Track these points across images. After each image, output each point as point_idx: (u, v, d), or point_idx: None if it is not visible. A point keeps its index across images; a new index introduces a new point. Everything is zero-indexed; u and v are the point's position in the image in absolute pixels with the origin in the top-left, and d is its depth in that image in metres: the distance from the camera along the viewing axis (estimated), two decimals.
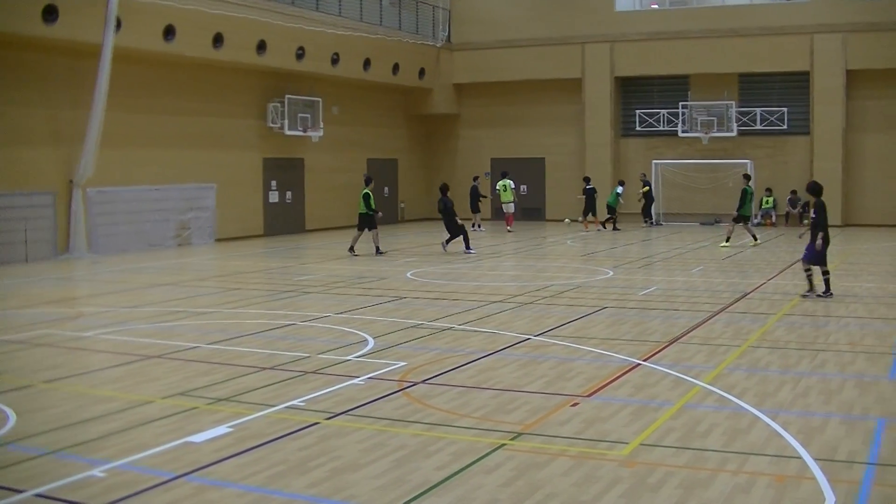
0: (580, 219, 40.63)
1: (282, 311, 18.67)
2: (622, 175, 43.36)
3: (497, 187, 41.12)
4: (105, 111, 28.55)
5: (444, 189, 31.33)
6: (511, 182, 40.83)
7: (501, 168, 45.70)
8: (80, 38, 27.85)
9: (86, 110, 28.54)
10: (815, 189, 19.93)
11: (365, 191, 29.41)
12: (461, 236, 30.12)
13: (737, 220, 31.90)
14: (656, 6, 44.97)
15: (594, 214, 39.76)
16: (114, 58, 28.28)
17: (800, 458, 9.07)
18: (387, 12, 42.71)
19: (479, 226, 40.14)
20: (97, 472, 8.80)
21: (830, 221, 20.70)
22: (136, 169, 31.80)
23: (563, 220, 43.60)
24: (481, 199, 40.88)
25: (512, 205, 40.65)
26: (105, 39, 27.89)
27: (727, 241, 31.79)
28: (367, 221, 29.14)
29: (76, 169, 29.00)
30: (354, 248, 29.45)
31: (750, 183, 32.80)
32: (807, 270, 19.93)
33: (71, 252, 29.23)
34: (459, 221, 30.29)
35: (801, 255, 20.82)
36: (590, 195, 39.66)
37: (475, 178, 41.52)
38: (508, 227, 40.22)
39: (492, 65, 45.61)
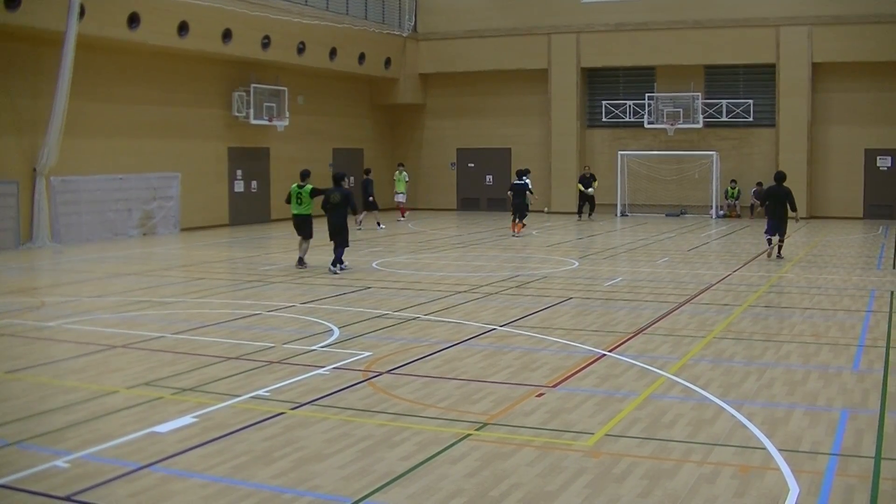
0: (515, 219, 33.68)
1: (247, 301, 18.61)
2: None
3: (395, 178, 41.11)
4: (68, 99, 28.32)
5: (367, 171, 32.74)
6: (406, 174, 41.33)
7: (467, 159, 45.96)
8: (42, 26, 27.59)
9: (48, 98, 28.31)
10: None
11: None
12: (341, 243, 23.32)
13: None
14: None
15: (521, 217, 33.30)
16: (77, 46, 28.04)
17: (764, 448, 9.12)
18: (353, 1, 42.58)
19: (360, 224, 35.27)
20: (61, 462, 8.75)
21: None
22: (99, 158, 31.59)
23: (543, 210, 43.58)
24: (372, 197, 36.17)
25: (403, 195, 40.79)
26: (68, 27, 27.65)
27: None
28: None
29: (39, 157, 28.77)
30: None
31: None
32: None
33: (34, 241, 29.00)
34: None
35: (765, 247, 25.84)
36: (519, 192, 33.19)
37: (367, 172, 37.28)
38: (401, 217, 40.44)
39: (458, 55, 45.57)
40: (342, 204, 23.03)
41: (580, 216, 40.72)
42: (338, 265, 22.90)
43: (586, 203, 40.65)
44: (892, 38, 38.60)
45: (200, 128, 35.97)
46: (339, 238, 23.06)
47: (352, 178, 43.00)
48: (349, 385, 11.67)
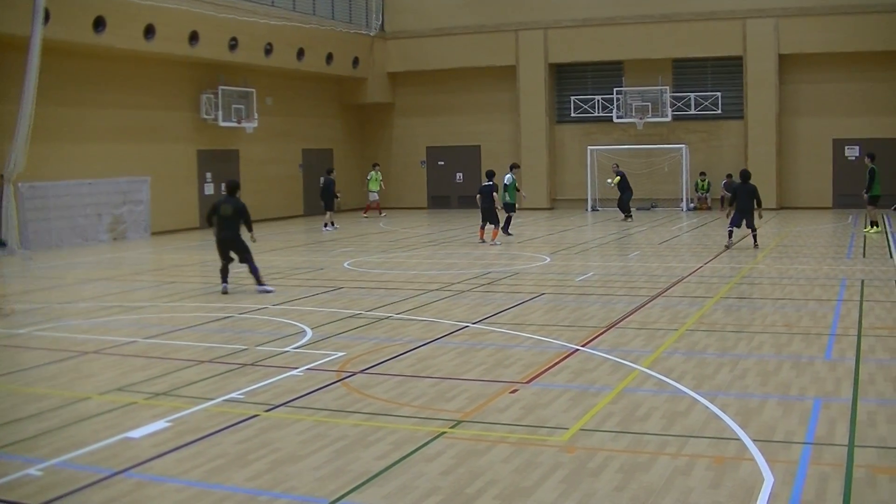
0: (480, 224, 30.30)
1: (219, 304, 18.55)
2: (560, 161, 43.52)
3: (368, 177, 42.45)
4: (35, 104, 28.10)
5: (329, 171, 35.50)
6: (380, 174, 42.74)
7: (437, 156, 46.03)
8: (7, 31, 27.42)
9: (14, 104, 28.07)
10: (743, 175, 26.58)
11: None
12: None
13: (871, 202, 29.59)
14: None
15: (495, 223, 29.62)
16: (43, 50, 27.82)
17: (738, 439, 9.15)
18: (320, 1, 42.48)
19: (334, 223, 35.96)
20: (33, 470, 8.69)
21: (765, 204, 27.07)
22: (68, 163, 31.40)
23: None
24: (337, 196, 36.83)
25: (376, 194, 42.24)
26: (33, 31, 27.42)
27: (873, 226, 29.52)
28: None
29: (6, 163, 28.53)
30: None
31: (874, 161, 29.88)
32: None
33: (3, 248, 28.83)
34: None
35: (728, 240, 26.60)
36: (487, 195, 29.48)
37: (329, 171, 37.10)
38: (381, 214, 42.43)
39: (426, 53, 45.54)
40: (234, 217, 19.97)
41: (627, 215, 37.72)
42: (261, 285, 19.86)
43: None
44: (857, 28, 38.87)
45: (169, 131, 35.82)
46: (238, 256, 20.16)
47: (321, 179, 43.03)
48: (323, 386, 11.65)
